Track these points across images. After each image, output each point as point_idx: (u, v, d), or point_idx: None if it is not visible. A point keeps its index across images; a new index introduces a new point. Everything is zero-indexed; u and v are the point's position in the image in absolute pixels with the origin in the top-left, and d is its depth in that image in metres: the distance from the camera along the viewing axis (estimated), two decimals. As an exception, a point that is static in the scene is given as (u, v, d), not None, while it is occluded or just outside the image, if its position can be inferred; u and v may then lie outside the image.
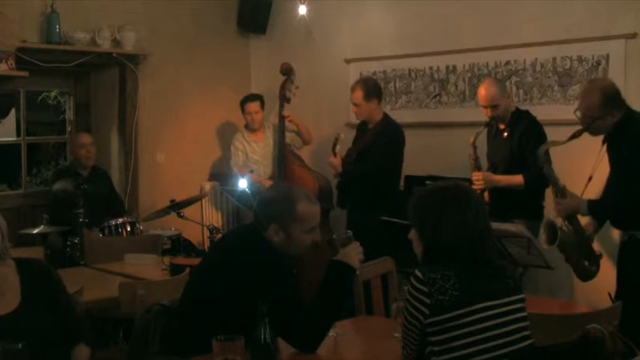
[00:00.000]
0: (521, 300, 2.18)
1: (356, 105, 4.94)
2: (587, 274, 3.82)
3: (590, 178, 3.75)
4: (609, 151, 3.68)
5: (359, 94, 4.90)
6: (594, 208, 3.65)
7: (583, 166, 3.87)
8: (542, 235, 3.79)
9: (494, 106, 4.27)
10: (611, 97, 3.58)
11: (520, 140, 4.24)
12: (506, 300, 2.13)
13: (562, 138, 3.75)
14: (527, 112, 4.37)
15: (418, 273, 2.11)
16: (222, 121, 6.30)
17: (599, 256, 3.82)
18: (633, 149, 3.53)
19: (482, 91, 4.31)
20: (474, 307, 2.07)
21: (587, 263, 3.79)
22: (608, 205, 3.65)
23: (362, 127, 5.09)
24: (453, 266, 2.12)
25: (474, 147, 4.40)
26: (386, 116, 5.01)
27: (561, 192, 3.72)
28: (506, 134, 4.34)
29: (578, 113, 3.66)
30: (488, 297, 2.10)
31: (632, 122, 3.58)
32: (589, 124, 3.62)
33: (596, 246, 3.90)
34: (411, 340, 2.16)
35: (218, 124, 6.32)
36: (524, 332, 2.14)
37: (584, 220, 3.80)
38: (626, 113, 3.60)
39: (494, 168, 4.40)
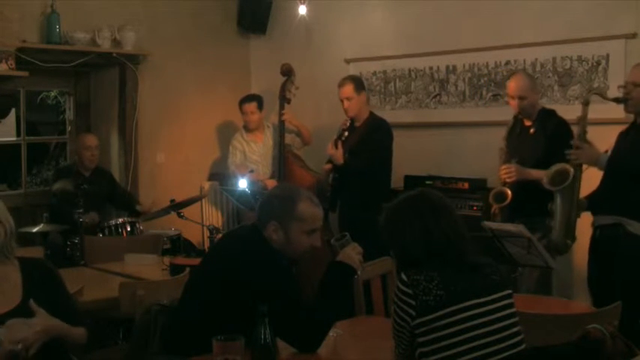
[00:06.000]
0: (509, 296, 2.19)
1: (348, 99, 4.95)
2: (563, 246, 3.79)
3: (606, 151, 3.68)
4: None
5: (350, 88, 4.95)
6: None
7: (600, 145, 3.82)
8: (550, 173, 3.76)
9: (521, 97, 4.19)
10: None
11: (549, 139, 4.16)
12: (492, 297, 2.15)
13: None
14: (554, 112, 4.29)
15: (403, 276, 2.16)
16: (222, 121, 6.30)
17: (574, 238, 3.78)
18: None
19: (512, 82, 4.26)
20: (459, 305, 2.09)
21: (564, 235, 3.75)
22: (632, 165, 3.56)
23: (349, 127, 5.05)
24: (437, 267, 2.14)
25: (506, 140, 4.33)
26: (372, 113, 5.04)
27: (584, 138, 3.69)
28: (532, 130, 4.26)
29: (622, 90, 3.64)
30: (474, 295, 2.12)
31: None
32: (629, 93, 3.59)
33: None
34: (402, 341, 2.19)
35: (218, 124, 6.32)
36: (513, 328, 2.15)
37: None
38: None
39: (521, 164, 4.34)
